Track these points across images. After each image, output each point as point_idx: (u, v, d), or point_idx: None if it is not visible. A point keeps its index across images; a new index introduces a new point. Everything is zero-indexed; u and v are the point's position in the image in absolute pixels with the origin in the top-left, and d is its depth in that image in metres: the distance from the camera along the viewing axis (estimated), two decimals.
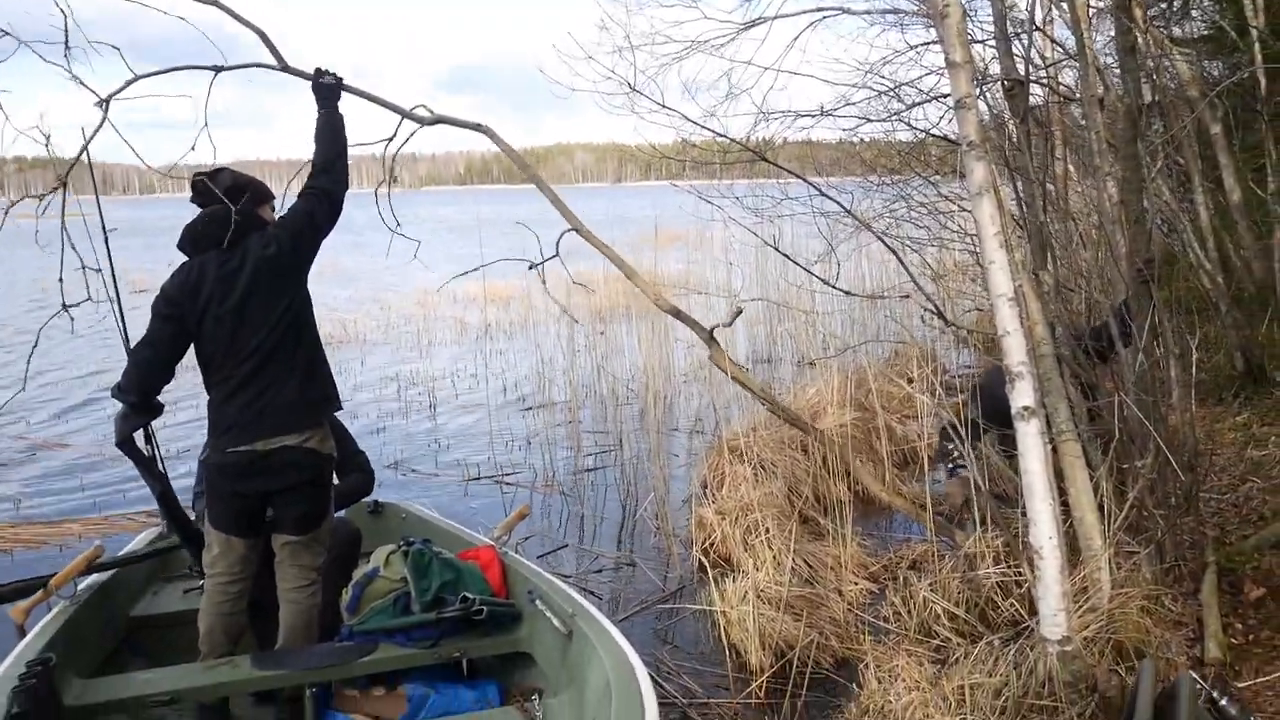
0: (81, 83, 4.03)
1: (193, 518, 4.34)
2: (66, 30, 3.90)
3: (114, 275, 4.03)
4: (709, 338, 5.75)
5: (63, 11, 3.84)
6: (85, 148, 4.10)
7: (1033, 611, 4.06)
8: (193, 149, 4.04)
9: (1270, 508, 5.13)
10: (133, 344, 3.87)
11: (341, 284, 20.29)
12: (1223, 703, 2.69)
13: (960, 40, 3.72)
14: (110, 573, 4.43)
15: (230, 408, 3.72)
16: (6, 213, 3.96)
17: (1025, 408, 3.77)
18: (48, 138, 4.00)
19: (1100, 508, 4.31)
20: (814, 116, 6.58)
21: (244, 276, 3.66)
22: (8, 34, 3.86)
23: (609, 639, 3.48)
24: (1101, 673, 3.75)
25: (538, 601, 3.96)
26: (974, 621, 4.57)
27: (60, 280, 3.90)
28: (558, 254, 5.46)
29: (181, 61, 4.33)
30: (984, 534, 4.91)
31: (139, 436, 3.91)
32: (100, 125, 4.14)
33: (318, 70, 4.14)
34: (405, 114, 4.83)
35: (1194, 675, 2.76)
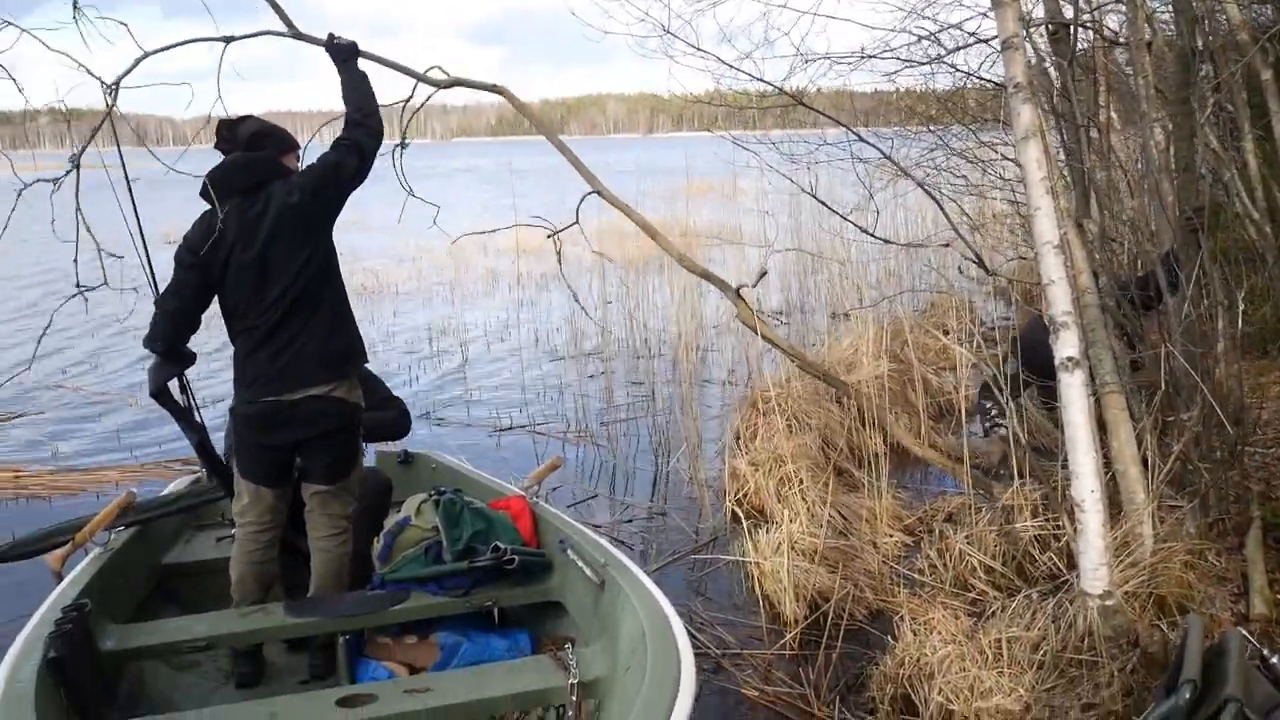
0: (89, 71, 3.97)
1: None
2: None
3: (140, 228, 4.00)
4: (736, 296, 5.67)
5: None
6: (97, 129, 4.07)
7: (1071, 565, 4.02)
8: (208, 121, 3.93)
9: None
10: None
11: (372, 235, 20.29)
12: (1273, 660, 2.62)
13: None
14: (143, 521, 4.45)
15: (257, 359, 3.68)
16: (20, 194, 3.92)
17: (1069, 358, 3.69)
18: (68, 116, 3.97)
19: (1143, 461, 4.24)
20: (852, 60, 6.41)
21: (266, 224, 3.59)
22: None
23: (642, 588, 3.45)
24: (1143, 628, 3.70)
25: (569, 551, 3.94)
26: (1011, 575, 4.51)
27: (75, 262, 3.87)
28: (578, 221, 5.39)
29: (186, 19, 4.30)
30: (1022, 487, 4.84)
31: (174, 386, 3.90)
32: (109, 112, 4.08)
33: (330, 36, 4.07)
34: (420, 77, 4.77)
35: (1243, 631, 2.70)
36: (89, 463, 7.71)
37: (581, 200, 5.39)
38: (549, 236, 5.44)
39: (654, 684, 2.81)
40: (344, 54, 3.98)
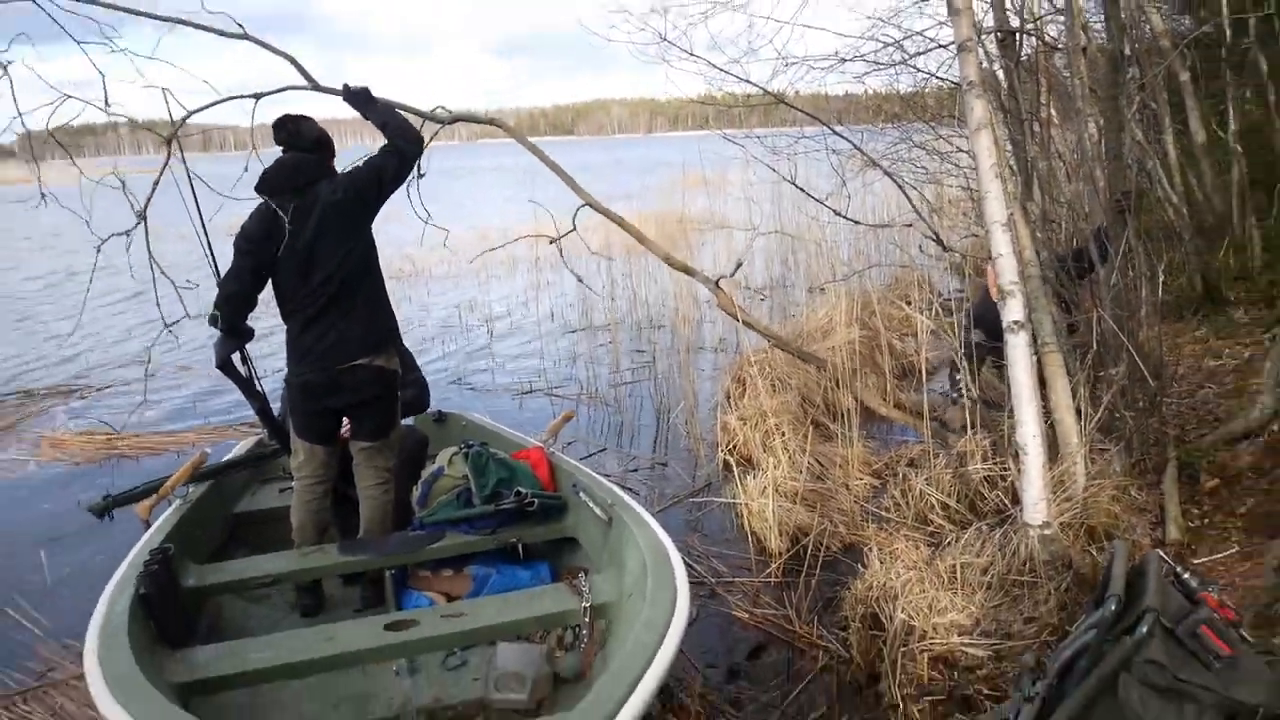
0: (148, 128, 4.09)
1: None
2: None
3: (203, 223, 4.02)
4: (715, 287, 5.64)
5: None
6: (158, 180, 4.08)
7: (1016, 501, 4.06)
8: (245, 170, 3.93)
9: (1223, 410, 5.07)
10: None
11: (409, 226, 20.26)
12: (1185, 576, 2.66)
13: None
14: (215, 475, 4.51)
15: (307, 337, 3.72)
16: (99, 248, 3.98)
17: (1015, 322, 3.72)
18: (132, 120, 4.00)
19: (1077, 411, 4.27)
20: (827, 64, 6.39)
21: (313, 220, 3.61)
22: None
23: (644, 525, 3.50)
24: (1076, 553, 3.75)
25: (581, 494, 3.99)
26: (964, 511, 4.56)
27: (157, 305, 4.06)
28: (574, 228, 5.38)
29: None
30: (974, 435, 4.88)
31: (236, 359, 3.93)
32: (169, 157, 4.10)
33: (345, 85, 4.07)
34: (426, 116, 4.75)
35: (1160, 553, 2.74)
36: (170, 427, 7.78)
37: (576, 211, 5.38)
38: (551, 243, 5.43)
39: (654, 605, 2.86)
40: (360, 99, 3.98)
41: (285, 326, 3.84)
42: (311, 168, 3.71)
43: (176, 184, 4.04)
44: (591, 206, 5.15)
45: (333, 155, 3.88)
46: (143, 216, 4.01)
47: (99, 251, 3.94)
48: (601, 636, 3.30)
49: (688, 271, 5.81)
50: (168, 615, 3.22)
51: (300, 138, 3.74)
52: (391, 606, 3.71)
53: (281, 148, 3.78)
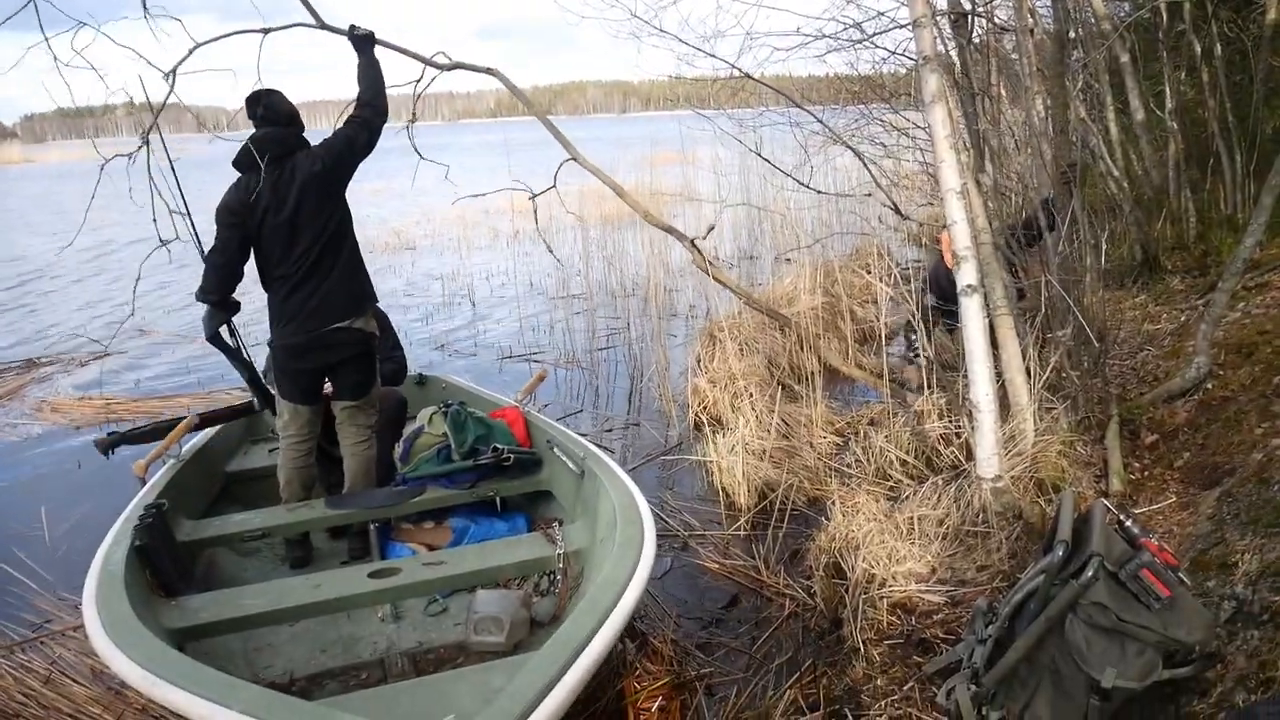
0: (149, 62, 3.87)
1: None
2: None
3: (184, 201, 3.92)
4: (691, 246, 5.60)
5: None
6: (160, 108, 3.95)
7: (969, 457, 4.07)
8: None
9: (1162, 371, 5.09)
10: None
11: (394, 200, 20.02)
12: (1127, 524, 2.67)
13: None
14: (208, 436, 4.46)
15: (291, 302, 3.68)
16: (103, 168, 3.85)
17: (969, 285, 3.70)
18: (132, 99, 3.86)
19: (1027, 371, 4.28)
20: (791, 41, 6.32)
21: (294, 190, 3.57)
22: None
23: (614, 476, 3.51)
24: (1026, 504, 3.76)
25: (555, 449, 3.99)
26: (921, 466, 4.57)
27: (154, 220, 3.83)
28: (555, 185, 5.31)
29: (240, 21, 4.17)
30: (930, 395, 4.89)
31: (225, 332, 3.88)
32: (169, 94, 4.01)
33: (351, 26, 3.99)
34: (426, 61, 4.68)
35: (1105, 503, 2.74)
36: (165, 390, 7.69)
37: (560, 166, 5.31)
38: (530, 199, 5.37)
39: (623, 549, 2.87)
40: (363, 41, 3.91)
41: (267, 294, 3.78)
42: (289, 140, 3.65)
43: (161, 174, 3.91)
44: (577, 161, 5.08)
45: (302, 129, 3.81)
46: (146, 140, 3.89)
47: (102, 170, 3.84)
48: (575, 581, 3.30)
49: (667, 230, 5.76)
50: (163, 566, 3.20)
51: (274, 111, 3.66)
52: (376, 557, 3.71)
53: (255, 123, 3.70)
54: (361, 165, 3.84)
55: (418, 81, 4.77)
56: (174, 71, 4.00)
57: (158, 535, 3.25)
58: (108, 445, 4.10)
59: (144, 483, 3.92)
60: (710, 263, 5.59)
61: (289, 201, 3.55)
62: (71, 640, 3.60)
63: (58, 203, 26.87)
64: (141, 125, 4.04)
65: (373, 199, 20.10)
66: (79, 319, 10.84)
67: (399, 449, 4.13)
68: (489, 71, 4.95)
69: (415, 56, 4.63)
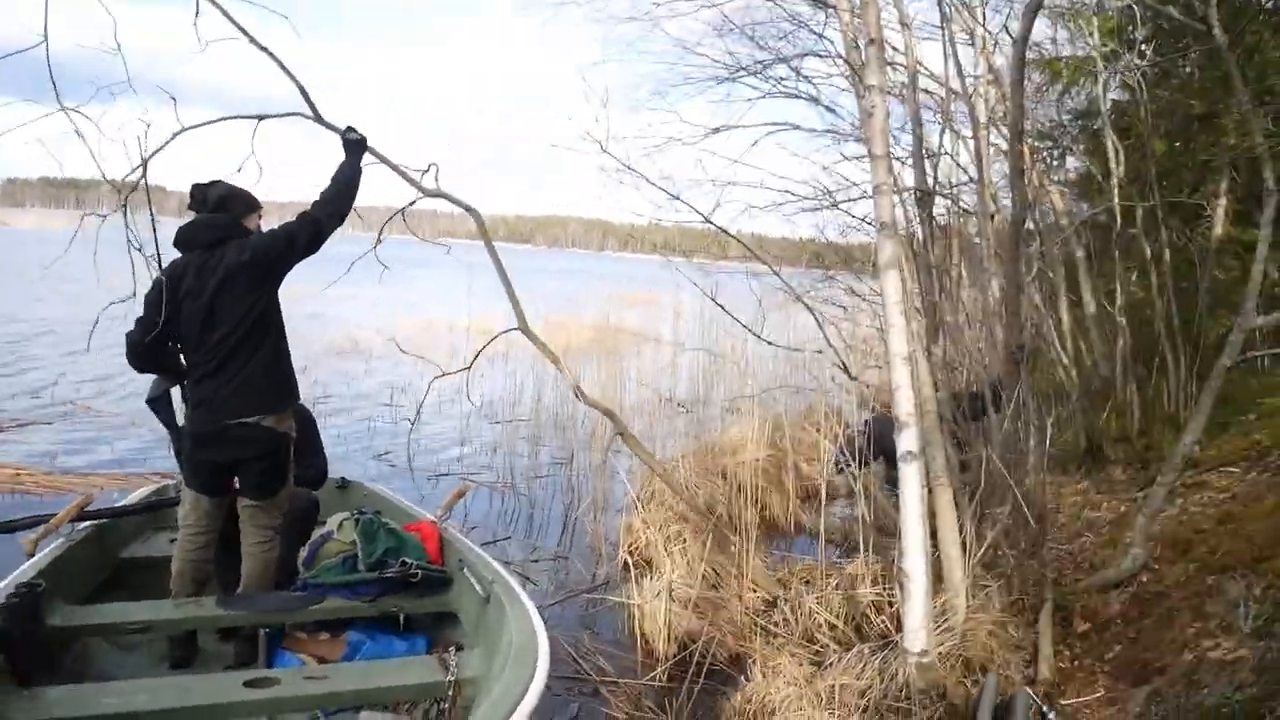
0: (124, 144, 3.76)
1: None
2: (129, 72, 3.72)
3: (160, 263, 3.81)
4: (623, 431, 5.49)
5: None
6: (133, 188, 3.83)
7: (900, 628, 3.94)
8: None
9: (1099, 559, 5.07)
10: None
11: (358, 307, 20.01)
12: (1050, 716, 2.55)
13: (881, 135, 3.66)
14: (102, 518, 4.22)
15: (203, 388, 3.56)
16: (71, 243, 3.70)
17: (909, 451, 3.66)
18: (113, 183, 3.76)
19: (963, 545, 4.21)
20: (763, 196, 6.51)
21: (216, 278, 3.50)
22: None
23: (519, 604, 3.36)
24: (951, 683, 3.62)
25: (465, 569, 3.83)
26: (850, 632, 4.43)
27: (132, 273, 3.58)
28: (469, 367, 5.23)
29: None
30: (866, 558, 4.79)
31: (170, 397, 3.76)
32: (139, 180, 3.73)
33: (348, 127, 3.95)
34: (414, 183, 4.58)
35: (1029, 692, 2.63)
36: (83, 466, 7.37)
37: (498, 334, 5.26)
38: (451, 375, 5.20)
39: (509, 684, 2.71)
40: (354, 145, 3.85)
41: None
42: (221, 227, 3.61)
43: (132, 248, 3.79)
44: (523, 333, 4.96)
45: (251, 211, 3.76)
46: (144, 171, 3.64)
47: (78, 228, 3.61)
48: (463, 712, 3.07)
49: (600, 409, 5.64)
50: (23, 652, 2.94)
51: (205, 203, 3.66)
52: (262, 665, 3.47)
53: (195, 211, 3.68)
54: (330, 269, 3.75)
55: (408, 206, 4.68)
56: (148, 159, 3.83)
57: (23, 618, 3.00)
58: None
59: (30, 558, 3.67)
60: (634, 436, 5.46)
61: (208, 288, 3.50)
62: None
63: (19, 265, 26.55)
64: (123, 202, 3.93)
65: (340, 302, 20.09)
66: (6, 384, 10.50)
67: (304, 552, 3.92)
68: (469, 210, 4.85)
69: (404, 175, 4.53)
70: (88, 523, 4.12)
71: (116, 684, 2.95)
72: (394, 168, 4.42)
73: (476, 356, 5.37)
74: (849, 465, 5.22)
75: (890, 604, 4.44)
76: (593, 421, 8.92)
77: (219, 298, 3.49)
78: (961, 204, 7.43)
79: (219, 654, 3.75)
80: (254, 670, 3.23)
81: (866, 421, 5.66)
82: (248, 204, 3.74)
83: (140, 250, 3.63)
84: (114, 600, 3.67)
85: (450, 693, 3.05)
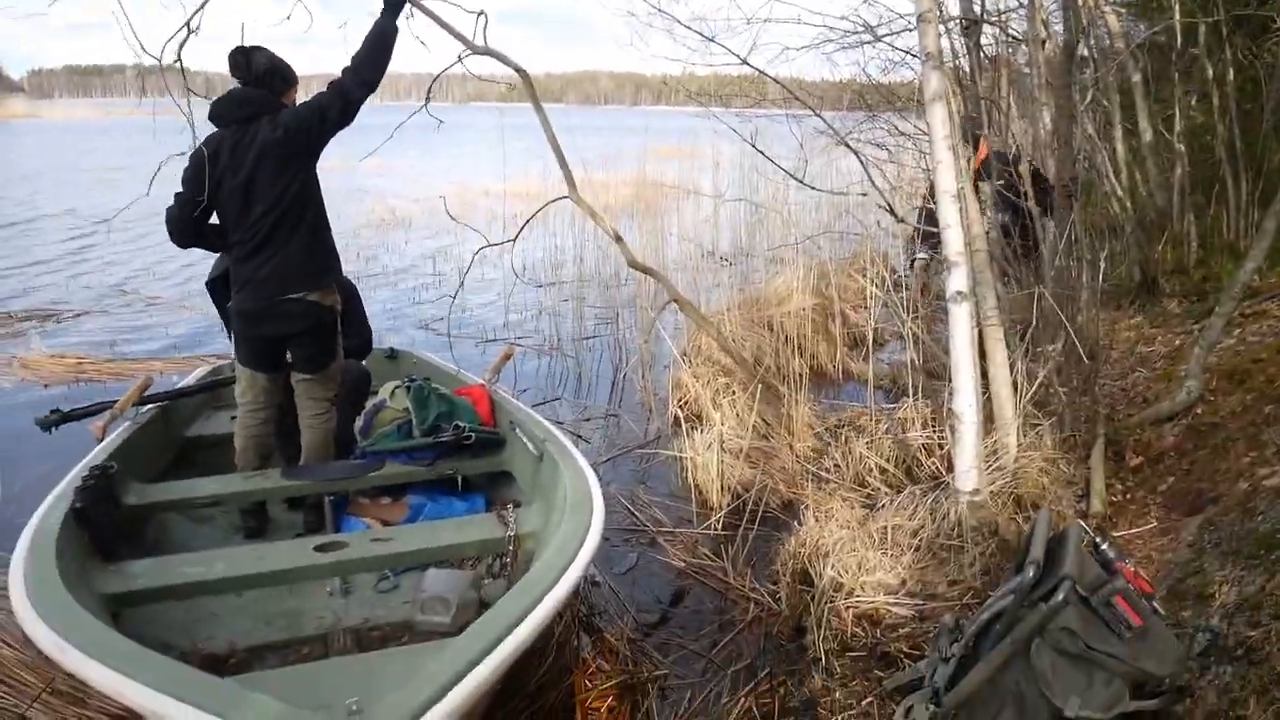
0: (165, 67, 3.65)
1: None
2: None
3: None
4: (676, 297, 5.43)
5: None
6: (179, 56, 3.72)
7: (950, 469, 3.97)
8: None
9: (1152, 393, 5.01)
10: None
11: (394, 179, 19.86)
12: (1104, 547, 2.57)
13: None
14: (165, 400, 4.35)
15: (247, 267, 3.58)
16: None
17: (959, 292, 3.59)
18: (160, 60, 3.64)
19: (1014, 384, 4.18)
20: (800, 34, 6.22)
21: (252, 154, 3.45)
22: None
23: (572, 460, 3.42)
24: (1003, 520, 3.66)
25: (517, 429, 3.92)
26: (901, 475, 4.47)
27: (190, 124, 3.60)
28: (515, 239, 5.19)
29: None
30: (915, 403, 4.79)
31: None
32: (185, 40, 3.67)
33: None
34: (462, 39, 4.38)
35: (1082, 524, 2.64)
36: (141, 353, 7.57)
37: (547, 204, 5.26)
38: (493, 245, 5.14)
39: (566, 535, 2.77)
40: (393, 5, 3.63)
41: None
42: (255, 102, 3.52)
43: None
44: (574, 200, 4.85)
45: (290, 86, 3.67)
46: (189, 26, 3.64)
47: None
48: (524, 565, 3.20)
49: (650, 273, 5.65)
50: (103, 529, 3.09)
51: (248, 70, 3.54)
52: (330, 531, 3.64)
53: (236, 80, 3.58)
54: (362, 140, 3.67)
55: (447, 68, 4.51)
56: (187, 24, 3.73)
57: (100, 497, 3.14)
58: (50, 423, 3.97)
59: (100, 443, 3.81)
60: (687, 301, 5.45)
61: (245, 166, 3.45)
62: (5, 602, 3.49)
63: (63, 157, 26.66)
64: (149, 88, 3.86)
65: (376, 174, 19.95)
66: (63, 276, 10.71)
67: (359, 422, 4.03)
68: (519, 71, 4.67)
69: (452, 32, 4.32)
70: (150, 405, 4.24)
71: (195, 554, 3.11)
72: (440, 21, 4.20)
73: (525, 225, 5.35)
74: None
75: (941, 446, 4.46)
76: (636, 281, 8.90)
77: (256, 175, 3.46)
78: (1010, 31, 7.04)
79: (288, 523, 3.92)
80: (323, 535, 3.37)
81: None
82: (286, 79, 3.65)
83: (188, 107, 3.59)
84: (183, 478, 3.82)
85: (511, 547, 3.17)
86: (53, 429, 3.95)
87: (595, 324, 8.43)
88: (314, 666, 2.53)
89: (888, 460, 4.57)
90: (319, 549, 3.04)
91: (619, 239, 5.13)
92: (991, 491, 3.77)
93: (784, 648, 3.28)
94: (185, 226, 3.59)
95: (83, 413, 4.05)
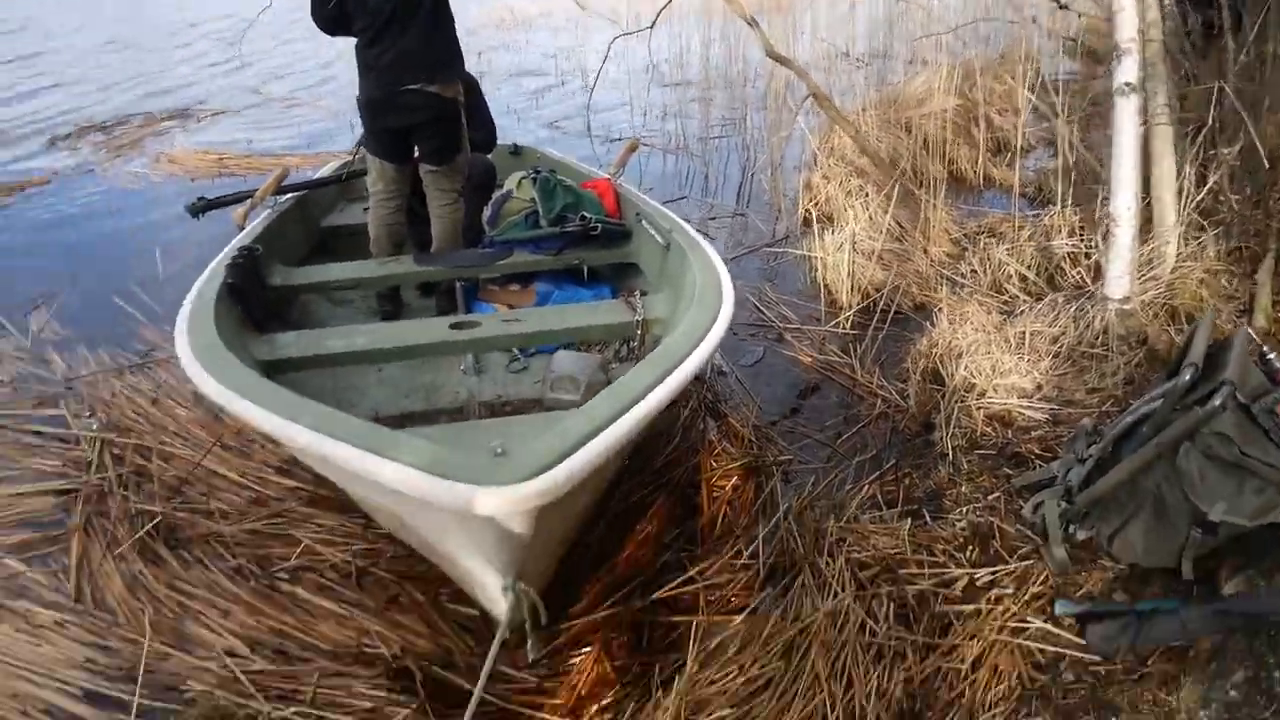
0: None
1: None
2: None
3: None
4: (815, 91, 5.11)
5: None
6: None
7: (1097, 279, 3.79)
8: None
9: None
10: None
11: None
12: (1271, 357, 2.42)
13: None
14: (303, 189, 4.47)
15: (367, 56, 3.58)
16: None
17: (1127, 83, 3.30)
18: None
19: (1179, 190, 3.89)
20: None
21: None
22: None
23: (700, 250, 3.37)
24: (1153, 331, 3.50)
25: (643, 221, 3.89)
26: (1042, 284, 4.28)
27: None
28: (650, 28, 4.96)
29: None
30: (1063, 210, 4.52)
31: None
32: None
33: None
34: None
35: (1250, 331, 2.49)
36: (275, 148, 7.78)
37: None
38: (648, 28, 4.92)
39: (696, 315, 2.76)
40: None
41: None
42: None
43: None
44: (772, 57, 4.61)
45: None
46: None
47: None
48: (651, 349, 3.25)
49: (785, 64, 5.36)
50: (253, 304, 3.25)
51: None
52: (462, 313, 3.72)
53: None
54: None
55: None
56: None
57: (248, 275, 3.29)
58: (198, 209, 4.13)
59: (243, 230, 3.97)
60: (826, 96, 5.16)
61: None
62: (174, 367, 3.77)
63: None
64: None
65: None
66: (200, 78, 10.95)
67: (487, 213, 4.07)
68: None
69: None
70: (288, 195, 4.37)
71: (340, 328, 3.27)
72: None
73: (660, 12, 5.13)
74: None
75: (1088, 255, 4.23)
76: (765, 79, 8.51)
77: None
78: None
79: (422, 307, 4.06)
80: (457, 316, 3.48)
81: None
82: None
83: None
84: (322, 263, 3.97)
85: (639, 331, 3.20)
86: (200, 215, 4.14)
87: (722, 123, 8.17)
88: (456, 426, 2.65)
89: (1028, 267, 4.37)
90: (454, 326, 3.14)
91: (754, 23, 4.86)
92: (1143, 301, 3.59)
93: (910, 443, 3.28)
94: (325, 12, 3.57)
95: (230, 200, 4.21)
